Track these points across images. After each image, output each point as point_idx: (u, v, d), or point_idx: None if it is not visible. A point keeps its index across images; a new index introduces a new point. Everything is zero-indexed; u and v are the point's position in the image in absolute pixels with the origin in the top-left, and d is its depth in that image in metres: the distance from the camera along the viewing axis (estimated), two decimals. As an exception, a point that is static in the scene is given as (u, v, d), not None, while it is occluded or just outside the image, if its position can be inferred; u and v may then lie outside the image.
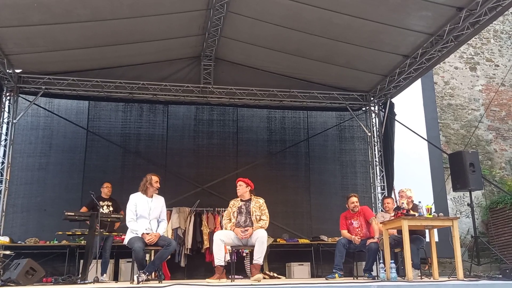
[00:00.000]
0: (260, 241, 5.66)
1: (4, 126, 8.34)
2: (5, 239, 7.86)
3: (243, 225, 5.87)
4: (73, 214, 6.42)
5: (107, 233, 6.78)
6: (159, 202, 5.90)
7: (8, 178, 8.17)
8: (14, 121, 8.44)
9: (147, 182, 5.81)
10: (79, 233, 6.51)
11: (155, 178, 5.85)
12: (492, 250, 8.77)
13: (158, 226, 5.81)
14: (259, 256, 5.65)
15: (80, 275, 6.06)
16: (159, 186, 5.86)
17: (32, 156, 9.10)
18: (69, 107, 9.44)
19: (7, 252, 6.37)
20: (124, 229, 6.03)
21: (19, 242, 8.19)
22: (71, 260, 7.80)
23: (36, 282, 5.69)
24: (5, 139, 8.29)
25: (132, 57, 8.74)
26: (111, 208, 7.29)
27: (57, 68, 8.61)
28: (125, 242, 5.65)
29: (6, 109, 8.44)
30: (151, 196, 5.82)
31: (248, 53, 8.89)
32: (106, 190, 7.41)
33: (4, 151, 8.23)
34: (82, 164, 9.22)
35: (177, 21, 7.64)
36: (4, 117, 8.37)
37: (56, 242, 8.21)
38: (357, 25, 7.22)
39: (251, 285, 5.10)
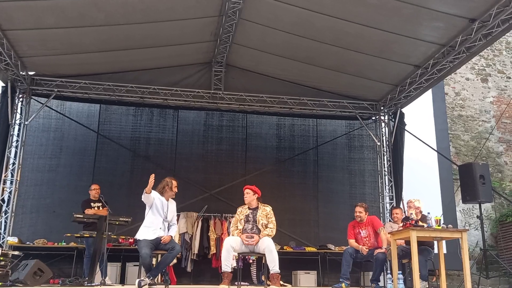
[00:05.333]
0: (269, 250, 5.63)
1: (16, 127, 8.42)
2: (14, 240, 7.93)
3: (249, 232, 5.85)
4: (81, 216, 6.49)
5: (115, 236, 6.80)
6: (173, 206, 5.95)
7: (18, 179, 8.24)
8: (26, 122, 8.51)
9: (167, 186, 5.81)
10: (87, 235, 6.55)
11: (175, 183, 5.88)
12: (501, 263, 8.67)
13: (169, 228, 5.85)
14: (273, 265, 5.58)
15: (87, 277, 6.09)
16: (177, 191, 5.89)
17: (42, 158, 9.17)
18: (81, 110, 9.53)
19: (16, 253, 6.40)
20: (131, 232, 6.05)
21: (27, 243, 8.26)
22: (79, 262, 7.83)
23: (43, 283, 5.75)
24: (17, 140, 8.37)
25: (144, 62, 8.80)
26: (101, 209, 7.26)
27: (69, 71, 8.70)
28: (137, 236, 5.63)
29: (19, 110, 8.53)
30: (167, 200, 5.86)
31: (259, 60, 8.92)
32: (94, 192, 7.41)
33: (16, 152, 8.30)
34: (91, 166, 9.28)
35: (189, 27, 7.70)
36: (16, 119, 8.45)
37: (64, 244, 8.28)
38: (368, 34, 7.22)
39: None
